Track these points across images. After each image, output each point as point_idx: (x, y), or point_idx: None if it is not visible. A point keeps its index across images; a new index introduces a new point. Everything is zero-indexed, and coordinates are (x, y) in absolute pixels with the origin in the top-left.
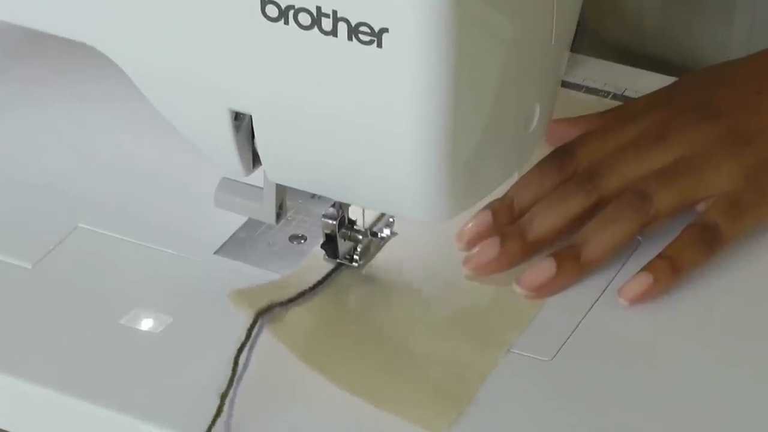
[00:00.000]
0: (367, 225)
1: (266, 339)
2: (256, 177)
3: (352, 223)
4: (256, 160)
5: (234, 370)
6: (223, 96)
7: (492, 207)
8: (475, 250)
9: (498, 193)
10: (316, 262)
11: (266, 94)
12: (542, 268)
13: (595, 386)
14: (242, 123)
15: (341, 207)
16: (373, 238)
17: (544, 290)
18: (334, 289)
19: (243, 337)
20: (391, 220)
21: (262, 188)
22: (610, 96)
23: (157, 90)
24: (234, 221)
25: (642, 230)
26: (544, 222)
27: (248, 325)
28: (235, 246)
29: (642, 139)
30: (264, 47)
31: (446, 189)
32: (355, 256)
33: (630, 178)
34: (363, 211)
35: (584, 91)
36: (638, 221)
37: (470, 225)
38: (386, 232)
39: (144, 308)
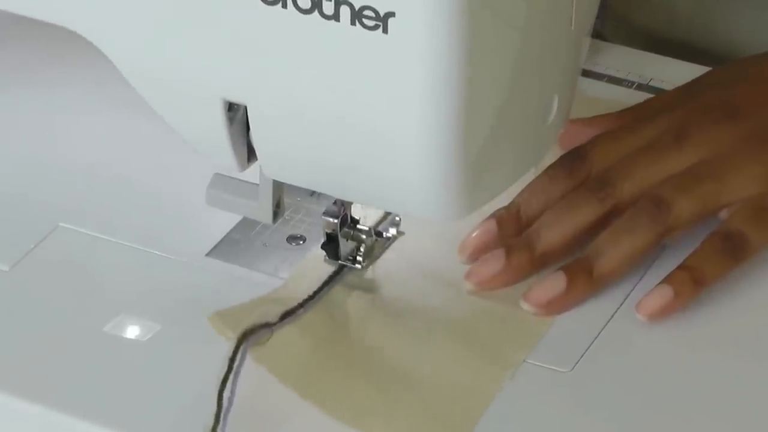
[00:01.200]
0: (371, 224)
1: (253, 363)
2: (252, 173)
3: (355, 222)
4: (251, 155)
5: (219, 405)
6: (216, 85)
7: (497, 216)
8: (479, 263)
9: (507, 197)
10: (307, 271)
11: (262, 84)
12: (552, 282)
13: (617, 399)
14: (236, 114)
15: (343, 205)
16: (378, 238)
17: (554, 307)
18: (328, 302)
19: (227, 367)
20: (397, 218)
21: (257, 185)
22: (634, 86)
23: (145, 78)
24: (227, 221)
25: (660, 240)
26: (553, 232)
27: (230, 353)
28: (228, 247)
29: (659, 142)
30: (260, 32)
31: (457, 186)
32: (359, 257)
33: (646, 183)
34: (366, 209)
35: (606, 81)
36: (656, 231)
37: (473, 236)
38: (392, 231)
39: (129, 315)
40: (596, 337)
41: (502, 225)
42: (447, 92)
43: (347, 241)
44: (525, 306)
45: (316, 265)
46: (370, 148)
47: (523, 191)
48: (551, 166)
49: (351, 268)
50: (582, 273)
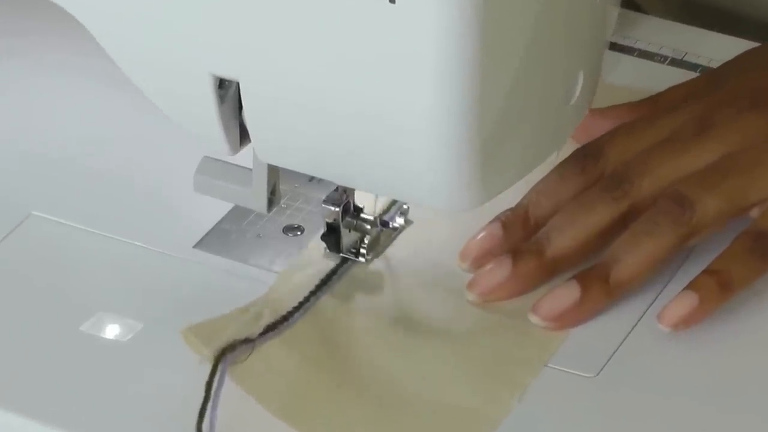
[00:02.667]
0: (376, 213)
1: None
2: (244, 157)
3: (359, 210)
4: (243, 137)
5: None
6: (205, 59)
7: (502, 218)
8: (482, 271)
9: (525, 184)
10: (303, 266)
11: (256, 57)
12: (564, 292)
13: (645, 405)
14: (228, 91)
15: (345, 192)
16: (384, 229)
17: (567, 320)
18: (318, 311)
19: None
20: (405, 207)
21: (250, 170)
22: (667, 61)
23: (126, 51)
24: (217, 209)
25: (684, 243)
26: (565, 236)
27: (208, 377)
28: (218, 239)
29: (680, 134)
30: (254, 0)
31: (470, 173)
32: (362, 250)
33: (667, 180)
34: (373, 197)
35: (637, 55)
36: (678, 233)
37: (475, 240)
38: (399, 221)
39: (109, 312)
40: (623, 341)
41: (508, 228)
42: (460, 67)
43: (350, 232)
44: (534, 319)
45: (314, 258)
46: (375, 129)
47: (531, 191)
48: (562, 163)
49: (354, 261)
50: (597, 281)
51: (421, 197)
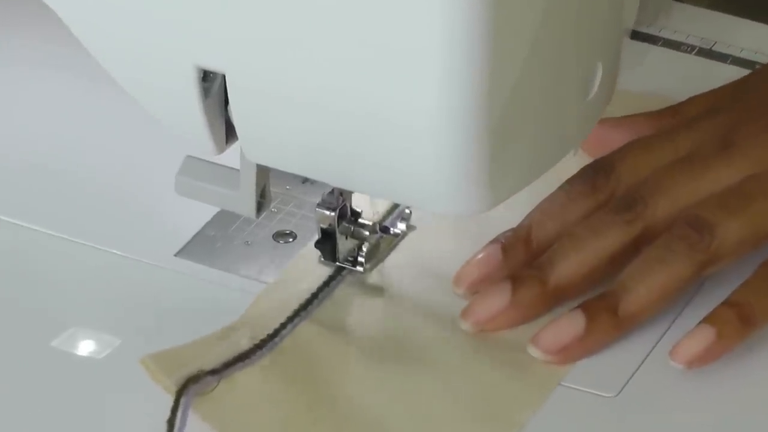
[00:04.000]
0: (375, 218)
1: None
2: (231, 156)
3: (357, 215)
4: (230, 134)
5: None
6: (188, 49)
7: (502, 240)
8: (478, 298)
9: (541, 186)
10: (292, 278)
11: (244, 47)
12: (567, 323)
13: (665, 427)
14: (213, 85)
15: (342, 195)
16: (384, 235)
17: (570, 353)
18: (299, 335)
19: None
20: (407, 211)
21: (237, 170)
22: (695, 51)
23: (102, 41)
24: (201, 214)
25: (701, 273)
26: (571, 262)
27: (171, 410)
28: (202, 246)
29: (701, 152)
30: None
31: (479, 173)
32: (360, 258)
33: (685, 202)
34: (370, 200)
35: (662, 45)
36: (696, 261)
37: (472, 263)
38: (401, 227)
39: (83, 327)
40: (646, 357)
41: (508, 251)
42: (467, 58)
43: (346, 239)
44: (534, 352)
45: (307, 267)
46: (375, 126)
47: (534, 210)
48: (570, 180)
49: (351, 270)
50: (605, 312)
51: (425, 200)
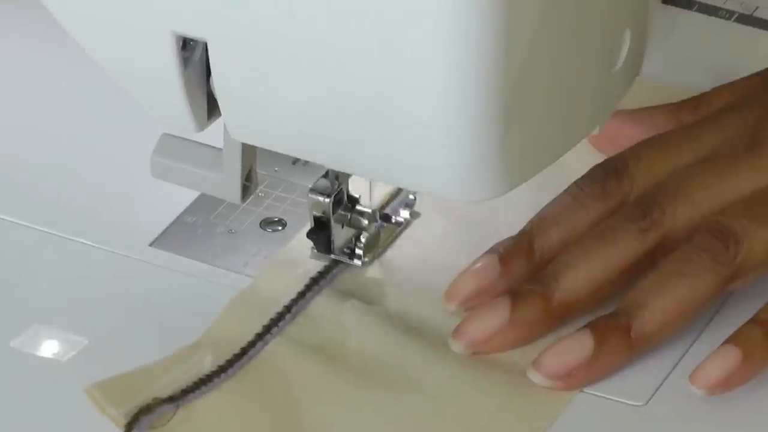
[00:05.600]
0: (375, 204)
1: None
2: (213, 134)
3: (354, 201)
4: (212, 109)
5: None
6: (166, 14)
7: (500, 249)
8: (473, 315)
9: (561, 170)
10: (276, 277)
11: (228, 12)
12: (573, 345)
13: None
14: (193, 54)
15: (338, 178)
16: (385, 224)
17: (576, 379)
18: (273, 352)
19: None
20: (411, 197)
21: (220, 150)
22: (734, 17)
23: (68, 3)
24: (179, 199)
25: (726, 288)
26: (578, 275)
27: None
28: (180, 235)
29: (725, 151)
30: None
31: (492, 154)
32: (357, 250)
33: (707, 209)
34: (370, 184)
35: (696, 10)
36: (720, 275)
37: (466, 275)
38: (404, 215)
39: (47, 325)
40: (676, 365)
41: (507, 262)
42: (480, 26)
43: (343, 228)
44: (536, 377)
45: (298, 260)
46: (377, 101)
47: (537, 216)
48: (578, 182)
49: (347, 264)
50: (616, 332)
51: (431, 185)
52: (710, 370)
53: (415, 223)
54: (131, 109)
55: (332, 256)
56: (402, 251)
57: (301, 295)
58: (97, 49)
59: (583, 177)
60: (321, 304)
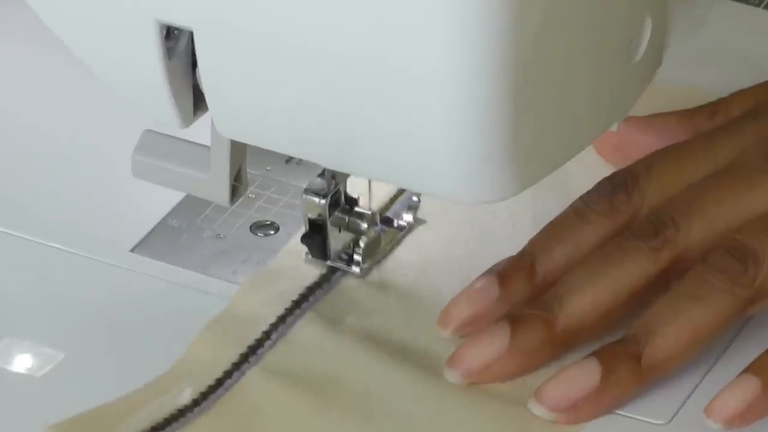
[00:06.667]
0: (376, 207)
1: None
2: (199, 130)
3: (353, 203)
4: (198, 104)
5: None
6: (148, 1)
7: (500, 269)
8: (469, 342)
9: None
10: (262, 290)
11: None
12: (579, 375)
13: None
14: (178, 44)
15: (335, 178)
16: (386, 229)
17: (581, 412)
18: (243, 386)
19: None
20: (414, 199)
21: (207, 147)
22: (764, 4)
23: None
24: (163, 201)
25: (744, 312)
26: (584, 298)
27: None
28: (164, 240)
29: (744, 163)
30: None
31: (501, 153)
32: (356, 257)
33: (724, 226)
34: (370, 185)
35: None
36: (738, 297)
37: (461, 299)
38: (407, 218)
39: (19, 338)
40: (699, 383)
41: (507, 284)
42: (488, 17)
43: (340, 232)
44: (538, 409)
45: (291, 268)
46: (377, 93)
47: (539, 234)
48: (584, 197)
49: (345, 271)
50: (625, 360)
51: (436, 185)
52: (727, 402)
53: (419, 228)
54: (111, 103)
55: (328, 263)
56: (404, 258)
57: (282, 319)
58: (75, 38)
59: (589, 191)
60: (303, 329)
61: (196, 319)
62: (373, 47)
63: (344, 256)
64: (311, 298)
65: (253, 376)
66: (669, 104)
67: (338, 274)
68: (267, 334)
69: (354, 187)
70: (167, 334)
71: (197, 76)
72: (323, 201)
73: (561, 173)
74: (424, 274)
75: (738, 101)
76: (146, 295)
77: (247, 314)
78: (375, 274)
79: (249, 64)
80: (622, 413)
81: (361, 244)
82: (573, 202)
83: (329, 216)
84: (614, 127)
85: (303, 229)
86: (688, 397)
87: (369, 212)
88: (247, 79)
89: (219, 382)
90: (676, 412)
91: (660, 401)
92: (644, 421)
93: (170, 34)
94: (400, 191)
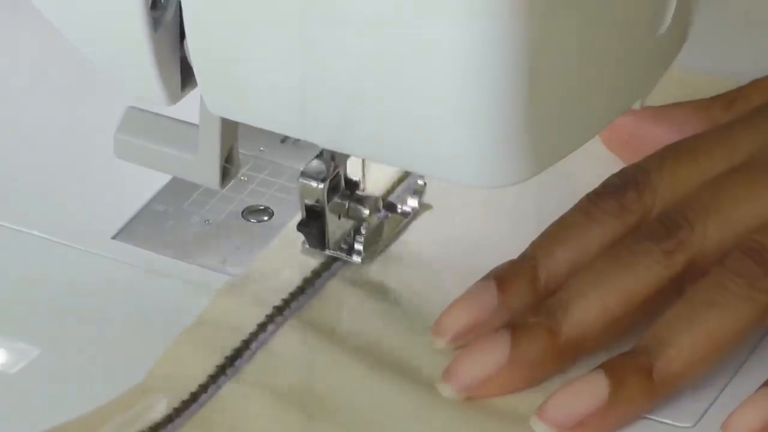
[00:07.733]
0: (378, 192)
1: None
2: (187, 108)
3: (353, 187)
4: (187, 79)
5: None
6: None
7: (499, 274)
8: (465, 354)
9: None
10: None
11: None
12: (585, 389)
13: None
14: (164, 14)
15: (334, 159)
16: (390, 215)
17: (588, 429)
18: (221, 399)
19: None
20: (420, 183)
21: (196, 126)
22: None
23: None
24: (148, 184)
25: (763, 320)
26: (590, 305)
27: None
28: (148, 226)
29: (762, 158)
30: None
31: (515, 133)
32: (357, 245)
33: (742, 227)
34: (363, 164)
35: None
36: (758, 303)
37: (458, 307)
38: (412, 204)
39: None
40: (725, 387)
41: (507, 290)
42: None
43: (339, 219)
44: (540, 426)
45: (285, 257)
46: (383, 70)
47: (542, 236)
48: (590, 195)
49: (345, 262)
50: (636, 374)
51: (444, 167)
52: (745, 419)
53: (424, 214)
54: (91, 78)
55: (327, 252)
56: (407, 247)
57: (262, 327)
58: (53, 7)
59: (596, 189)
60: (285, 338)
61: (182, 311)
62: (381, 12)
63: (344, 245)
64: (294, 304)
65: (230, 391)
66: (683, 92)
67: (327, 274)
68: (246, 343)
69: (354, 170)
70: (151, 328)
71: (185, 49)
72: (321, 185)
73: (566, 168)
74: (428, 266)
75: (758, 90)
76: (129, 285)
77: (223, 321)
78: (376, 265)
79: (241, 36)
80: (647, 416)
81: (362, 232)
82: (579, 201)
83: (328, 202)
84: (637, 105)
85: (300, 216)
86: (715, 399)
87: (371, 197)
88: (239, 52)
89: (194, 397)
90: (703, 414)
91: (686, 403)
92: (670, 424)
93: (156, 2)
94: (404, 174)
